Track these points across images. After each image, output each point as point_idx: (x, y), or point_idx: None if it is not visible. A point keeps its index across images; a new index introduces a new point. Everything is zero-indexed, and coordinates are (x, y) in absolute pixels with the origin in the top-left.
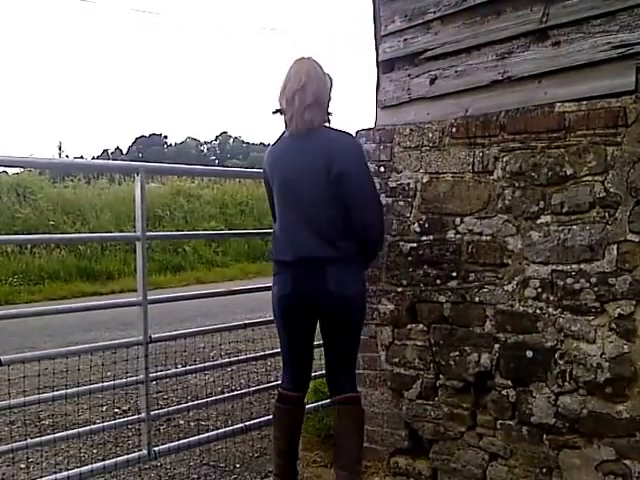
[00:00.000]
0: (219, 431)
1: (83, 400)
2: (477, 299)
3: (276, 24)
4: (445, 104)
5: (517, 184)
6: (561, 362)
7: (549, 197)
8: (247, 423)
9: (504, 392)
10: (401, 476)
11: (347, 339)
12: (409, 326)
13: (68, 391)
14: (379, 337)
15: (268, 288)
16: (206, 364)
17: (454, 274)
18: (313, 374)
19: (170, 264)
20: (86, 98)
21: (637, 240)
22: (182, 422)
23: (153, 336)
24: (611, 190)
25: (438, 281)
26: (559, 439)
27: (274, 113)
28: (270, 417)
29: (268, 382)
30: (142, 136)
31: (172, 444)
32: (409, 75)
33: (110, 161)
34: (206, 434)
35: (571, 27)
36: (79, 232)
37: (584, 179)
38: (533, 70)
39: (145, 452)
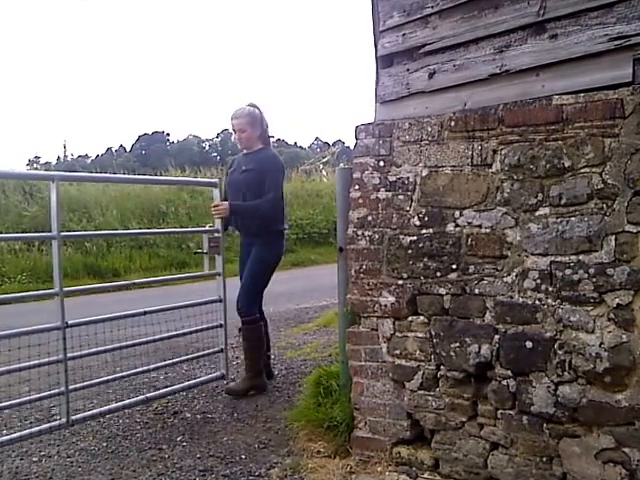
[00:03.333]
0: (125, 402)
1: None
2: (477, 291)
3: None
4: (444, 98)
5: (516, 177)
6: (560, 352)
7: (547, 189)
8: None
9: (504, 382)
10: (403, 466)
11: None
12: (410, 318)
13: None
14: (380, 329)
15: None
16: (116, 345)
17: (454, 266)
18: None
19: (175, 260)
20: (91, 97)
21: (635, 231)
22: (189, 415)
23: (69, 322)
24: (609, 181)
25: (438, 273)
26: (559, 428)
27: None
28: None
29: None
30: (145, 134)
31: (87, 413)
32: (408, 70)
33: (27, 171)
34: (121, 403)
35: (568, 19)
36: (85, 229)
37: (582, 171)
38: (531, 63)
39: (65, 420)
